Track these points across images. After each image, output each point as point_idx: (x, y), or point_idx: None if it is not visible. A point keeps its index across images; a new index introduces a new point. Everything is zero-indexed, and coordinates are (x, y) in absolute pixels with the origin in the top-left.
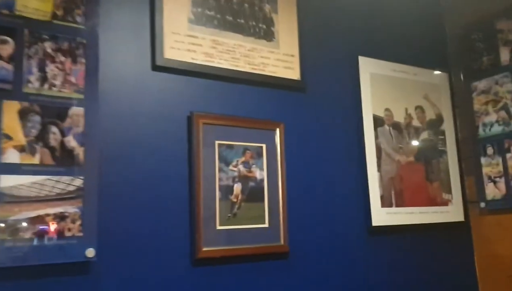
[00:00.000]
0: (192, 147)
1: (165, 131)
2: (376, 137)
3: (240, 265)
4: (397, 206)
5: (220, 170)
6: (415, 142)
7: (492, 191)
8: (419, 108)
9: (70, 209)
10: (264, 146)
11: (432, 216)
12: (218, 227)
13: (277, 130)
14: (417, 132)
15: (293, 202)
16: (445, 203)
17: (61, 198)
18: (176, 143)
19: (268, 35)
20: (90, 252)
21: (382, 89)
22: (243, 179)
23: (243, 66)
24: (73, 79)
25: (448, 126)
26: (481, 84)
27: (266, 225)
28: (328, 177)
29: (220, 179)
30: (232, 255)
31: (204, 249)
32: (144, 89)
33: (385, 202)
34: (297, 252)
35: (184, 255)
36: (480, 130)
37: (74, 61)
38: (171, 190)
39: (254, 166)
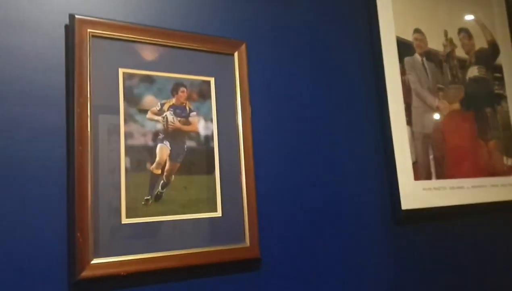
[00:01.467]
0: (71, 78)
1: (25, 50)
2: (403, 72)
3: (168, 286)
4: (438, 177)
5: (129, 118)
6: (460, 82)
7: None
8: (464, 32)
9: None
10: (212, 80)
11: (490, 192)
12: (125, 220)
13: (236, 55)
14: (462, 66)
15: (266, 174)
16: (507, 171)
17: None
18: (43, 74)
19: None
20: None
21: (409, 1)
22: (174, 135)
23: None
24: None
25: (507, 59)
26: None
27: (218, 214)
28: (326, 134)
29: (128, 135)
30: (152, 270)
31: (94, 262)
32: None
33: (420, 173)
34: (274, 259)
35: (57, 275)
36: None
37: None
38: (34, 156)
39: (194, 113)
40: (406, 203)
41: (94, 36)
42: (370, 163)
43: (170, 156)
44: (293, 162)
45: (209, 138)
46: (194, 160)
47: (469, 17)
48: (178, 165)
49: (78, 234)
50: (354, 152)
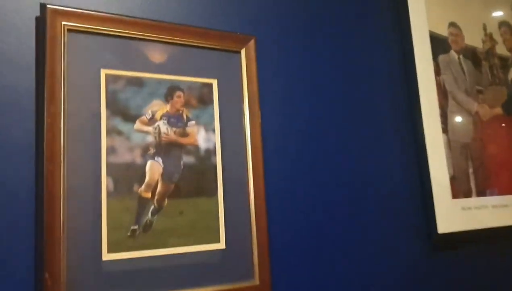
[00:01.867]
0: (41, 82)
1: None
2: (438, 72)
3: None
4: (479, 194)
5: (112, 130)
6: (502, 83)
7: None
8: (505, 26)
9: None
10: (214, 82)
11: None
12: (106, 256)
13: (243, 53)
14: (504, 65)
15: (279, 195)
16: None
17: None
18: (8, 77)
19: None
20: None
21: None
22: (168, 149)
23: None
24: None
25: None
26: None
27: (222, 245)
28: (348, 146)
29: (111, 151)
30: None
31: None
32: None
33: (459, 189)
34: None
35: None
36: None
37: None
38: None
39: (192, 122)
40: (443, 225)
41: (70, 30)
42: (400, 178)
43: (162, 175)
44: (311, 180)
45: (210, 152)
46: (192, 179)
47: (510, 8)
48: (172, 186)
49: (47, 275)
50: (381, 166)
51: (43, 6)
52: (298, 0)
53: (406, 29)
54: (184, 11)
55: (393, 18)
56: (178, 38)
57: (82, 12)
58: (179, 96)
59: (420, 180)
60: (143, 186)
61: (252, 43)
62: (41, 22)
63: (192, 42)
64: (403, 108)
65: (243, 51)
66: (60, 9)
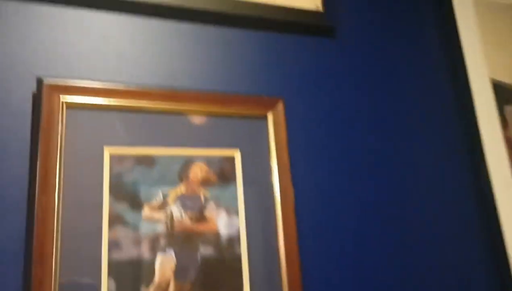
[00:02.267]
0: (33, 167)
1: None
2: (505, 125)
3: None
4: None
5: (115, 220)
6: None
7: None
8: None
9: None
10: (237, 154)
11: None
12: None
13: (270, 117)
14: None
15: (318, 287)
16: None
17: None
18: (1, 162)
19: None
20: None
21: (503, 30)
22: (183, 239)
23: None
24: None
25: None
26: None
27: None
28: (397, 224)
29: (114, 245)
30: None
31: None
32: None
33: None
34: None
35: None
36: None
37: None
38: None
39: (212, 204)
40: None
41: (69, 106)
42: (467, 241)
43: (175, 272)
44: (357, 268)
45: (233, 240)
46: (212, 275)
47: None
48: (187, 285)
49: None
50: (443, 238)
51: (39, 81)
52: (332, 54)
53: (463, 78)
54: (199, 76)
55: (447, 67)
56: (192, 106)
57: (84, 86)
58: (195, 174)
59: (492, 245)
60: (152, 287)
61: (280, 106)
62: (37, 99)
63: (210, 110)
64: (466, 172)
65: (270, 116)
66: (59, 84)
